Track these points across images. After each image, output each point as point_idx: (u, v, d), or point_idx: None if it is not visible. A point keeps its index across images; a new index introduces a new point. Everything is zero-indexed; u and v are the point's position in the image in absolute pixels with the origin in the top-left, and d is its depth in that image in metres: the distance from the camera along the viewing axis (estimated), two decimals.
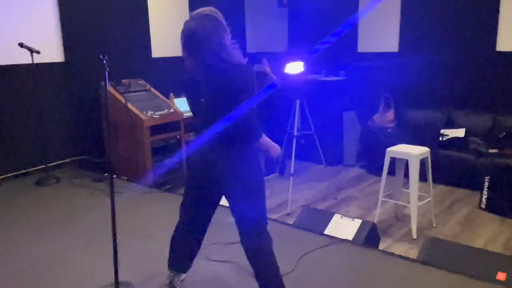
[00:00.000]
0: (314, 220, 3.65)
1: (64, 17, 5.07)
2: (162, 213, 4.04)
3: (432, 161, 4.61)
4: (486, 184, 4.42)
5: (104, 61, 2.67)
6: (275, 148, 2.46)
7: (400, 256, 3.20)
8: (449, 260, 3.00)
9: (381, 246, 3.70)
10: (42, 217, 3.93)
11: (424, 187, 4.20)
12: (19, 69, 4.74)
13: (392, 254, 3.26)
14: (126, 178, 4.87)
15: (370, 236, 3.40)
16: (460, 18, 5.46)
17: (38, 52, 4.49)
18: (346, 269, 2.99)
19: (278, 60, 4.98)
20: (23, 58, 4.54)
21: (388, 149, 4.08)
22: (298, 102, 4.62)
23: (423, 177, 4.14)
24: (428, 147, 4.79)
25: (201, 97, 2.35)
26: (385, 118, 5.84)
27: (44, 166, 4.90)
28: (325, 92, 5.90)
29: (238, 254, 3.11)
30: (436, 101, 5.72)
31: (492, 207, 4.39)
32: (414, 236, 3.87)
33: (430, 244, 3.20)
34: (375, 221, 4.12)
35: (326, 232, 3.48)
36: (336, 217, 3.60)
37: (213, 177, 2.37)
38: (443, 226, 4.19)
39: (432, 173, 4.44)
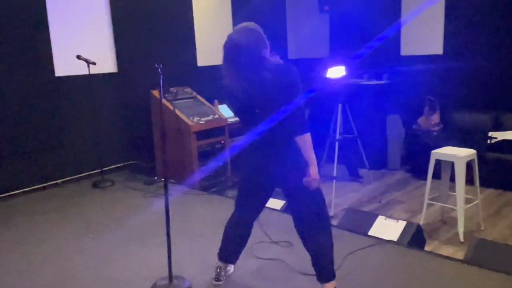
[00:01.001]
0: (358, 221, 3.66)
1: (117, 31, 5.28)
2: (209, 214, 4.16)
3: (480, 164, 4.51)
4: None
5: (159, 69, 2.84)
6: (315, 169, 2.40)
7: (446, 257, 3.16)
8: (497, 260, 2.95)
9: (427, 248, 3.65)
10: (100, 216, 4.10)
11: (472, 190, 4.12)
12: (77, 79, 4.92)
13: (438, 255, 3.22)
14: (174, 181, 4.96)
15: (415, 238, 3.37)
16: (505, 21, 5.35)
17: (94, 64, 4.69)
18: (390, 269, 2.99)
19: (320, 65, 5.04)
20: (81, 69, 4.75)
21: (434, 151, 4.05)
22: (340, 106, 4.65)
23: (470, 180, 4.09)
24: (476, 150, 4.71)
25: (239, 104, 2.49)
26: (431, 121, 5.76)
27: (99, 170, 5.08)
28: (368, 96, 5.91)
29: (283, 252, 3.24)
30: (484, 103, 5.59)
31: None
32: (461, 239, 3.80)
33: (477, 245, 3.15)
34: (421, 224, 4.13)
35: (370, 233, 3.49)
36: (381, 219, 3.60)
37: (266, 172, 2.50)
38: (491, 229, 4.11)
39: (480, 177, 4.34)
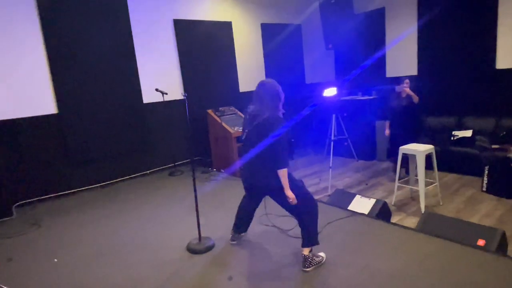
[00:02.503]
0: (342, 199, 3.58)
1: (184, 70, 5.39)
2: (240, 194, 4.18)
3: (444, 156, 4.27)
4: (486, 172, 3.97)
5: (184, 97, 2.92)
6: (291, 195, 2.35)
7: (402, 226, 3.02)
8: (440, 229, 2.79)
9: (394, 219, 3.52)
10: (171, 195, 4.24)
11: (438, 175, 3.90)
12: (157, 105, 5.06)
13: (396, 224, 3.09)
14: (222, 170, 5.08)
15: (382, 212, 3.26)
16: (463, 49, 4.97)
17: (167, 94, 4.83)
18: (358, 234, 2.91)
19: (328, 86, 4.93)
20: (158, 97, 4.89)
21: (401, 147, 3.86)
22: (334, 116, 4.55)
23: (438, 168, 3.87)
24: (442, 145, 4.41)
25: (246, 128, 2.55)
26: None
27: (173, 164, 5.28)
28: (361, 107, 5.72)
29: (280, 221, 3.22)
30: (448, 109, 5.23)
31: (491, 190, 3.94)
32: (423, 211, 3.62)
33: (426, 217, 2.99)
34: (393, 202, 3.95)
35: (349, 208, 3.41)
36: (357, 197, 3.50)
37: (255, 185, 2.53)
38: (449, 204, 3.85)
39: (445, 165, 4.12)
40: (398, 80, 5.74)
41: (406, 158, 3.99)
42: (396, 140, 4.45)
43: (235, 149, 4.92)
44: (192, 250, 2.77)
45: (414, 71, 5.57)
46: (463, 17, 4.95)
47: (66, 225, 3.58)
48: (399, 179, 3.94)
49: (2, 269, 2.77)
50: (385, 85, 5.73)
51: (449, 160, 4.61)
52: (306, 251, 2.46)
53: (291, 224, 3.00)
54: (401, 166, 3.95)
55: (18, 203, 4.21)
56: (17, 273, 2.70)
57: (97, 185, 4.76)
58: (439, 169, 3.86)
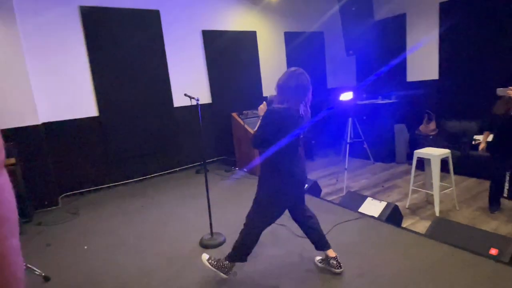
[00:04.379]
0: (353, 201, 3.38)
1: (211, 76, 5.43)
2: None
3: (465, 160, 3.90)
4: (508, 177, 3.55)
5: (197, 102, 2.87)
6: None
7: (410, 230, 2.79)
8: (451, 236, 2.53)
9: (407, 222, 3.25)
10: (195, 190, 4.27)
11: (456, 180, 3.56)
12: (187, 108, 5.13)
13: (405, 228, 2.86)
14: (245, 169, 5.03)
15: (392, 215, 3.03)
16: (484, 53, 4.52)
17: (194, 98, 4.92)
18: (365, 236, 2.74)
19: (348, 90, 4.70)
20: (187, 102, 5.01)
21: (416, 150, 3.58)
22: (350, 119, 4.33)
23: (456, 172, 3.53)
24: (462, 149, 4.05)
25: None
26: (428, 128, 5.08)
27: (201, 162, 5.33)
28: (381, 111, 5.41)
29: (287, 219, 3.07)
30: (470, 114, 4.77)
31: None
32: (437, 215, 3.32)
33: (437, 223, 2.74)
34: (407, 205, 3.67)
35: (359, 210, 3.22)
36: (369, 200, 3.29)
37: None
38: (465, 209, 3.49)
39: (465, 169, 3.76)
40: (419, 84, 5.40)
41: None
42: (498, 154, 3.26)
43: (257, 151, 4.84)
44: (204, 245, 2.74)
45: (435, 75, 5.16)
46: (486, 21, 4.50)
47: (100, 216, 3.72)
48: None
49: (40, 253, 2.92)
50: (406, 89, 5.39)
51: (469, 164, 4.22)
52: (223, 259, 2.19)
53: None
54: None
55: (63, 194, 4.45)
56: (52, 258, 2.82)
57: (131, 180, 4.91)
58: (459, 174, 3.54)
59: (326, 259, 2.26)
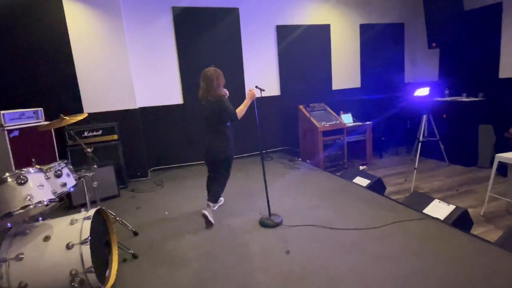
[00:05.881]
0: (418, 201, 3.20)
1: (281, 69, 5.58)
2: (318, 183, 4.10)
3: None
4: None
5: (261, 92, 3.22)
6: None
7: (477, 237, 2.57)
8: None
9: (478, 230, 2.97)
10: (260, 173, 4.41)
11: None
12: (256, 100, 5.42)
13: (473, 235, 2.64)
14: (308, 161, 5.12)
15: (460, 219, 2.81)
16: None
17: (264, 90, 5.13)
18: (425, 238, 2.59)
19: (427, 86, 4.38)
20: (258, 93, 5.26)
21: (497, 154, 3.21)
22: (425, 116, 4.04)
23: None
24: None
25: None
26: None
27: (266, 150, 5.60)
28: (465, 109, 4.88)
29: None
30: None
31: None
32: None
33: (510, 232, 2.47)
34: (482, 212, 3.34)
35: (424, 211, 3.05)
36: (435, 201, 3.08)
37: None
38: None
39: None
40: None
41: None
42: None
43: (320, 142, 4.89)
44: (262, 224, 2.97)
45: None
46: None
47: (180, 188, 4.27)
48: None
49: (132, 213, 3.53)
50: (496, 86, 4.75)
51: None
52: None
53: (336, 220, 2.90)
54: None
55: (152, 168, 5.18)
56: (140, 218, 3.39)
57: None
58: None
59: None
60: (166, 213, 3.48)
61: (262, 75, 5.51)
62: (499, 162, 3.19)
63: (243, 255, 2.53)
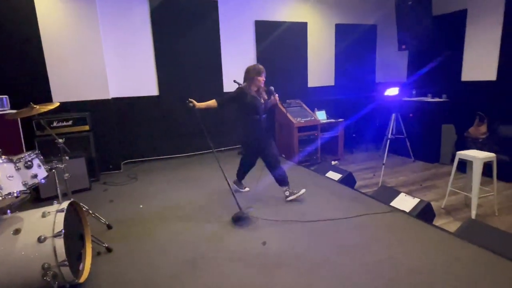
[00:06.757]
0: (386, 195, 3.38)
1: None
2: (293, 178, 4.16)
3: None
4: None
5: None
6: None
7: (439, 227, 2.77)
8: (481, 238, 2.49)
9: (439, 221, 3.21)
10: (233, 169, 4.53)
11: (503, 186, 3.40)
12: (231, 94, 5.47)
13: (434, 225, 2.84)
14: (284, 156, 5.19)
15: (423, 212, 3.00)
16: None
17: (242, 85, 5.18)
18: (392, 229, 2.75)
19: (396, 86, 4.59)
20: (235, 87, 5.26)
21: (458, 152, 3.46)
22: (394, 115, 4.26)
23: (504, 178, 3.36)
24: None
25: None
26: (479, 131, 4.78)
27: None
28: (430, 109, 5.18)
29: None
30: None
31: None
32: (473, 218, 3.22)
33: (469, 224, 2.69)
34: (443, 205, 3.59)
35: (391, 204, 3.22)
36: (402, 195, 3.27)
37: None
38: (505, 216, 3.33)
39: None
40: (474, 84, 5.06)
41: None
42: None
43: (296, 137, 4.99)
44: (235, 219, 2.95)
45: (493, 77, 4.80)
46: None
47: (153, 182, 4.19)
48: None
49: (105, 206, 3.43)
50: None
51: None
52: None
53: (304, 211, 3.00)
54: None
55: (125, 161, 5.03)
56: (114, 211, 3.30)
57: (183, 154, 5.36)
58: (507, 180, 3.35)
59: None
60: (141, 206, 3.42)
61: (241, 70, 5.44)
62: (459, 159, 3.43)
63: (219, 246, 2.55)
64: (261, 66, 3.24)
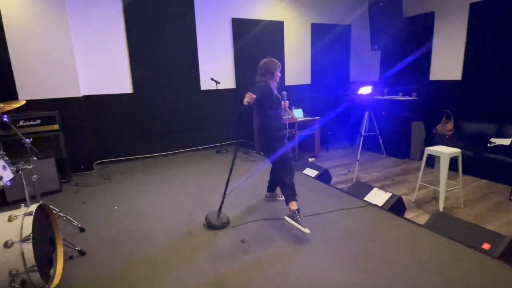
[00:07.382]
0: (360, 190, 3.50)
1: (237, 63, 5.58)
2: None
3: (478, 162, 3.88)
4: None
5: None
6: None
7: (410, 220, 2.90)
8: (448, 229, 2.63)
9: (410, 214, 3.34)
10: (212, 167, 4.50)
11: (467, 180, 3.58)
12: (211, 92, 5.33)
13: (406, 218, 2.96)
14: (262, 153, 5.18)
15: (395, 206, 3.13)
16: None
17: (219, 83, 5.12)
18: (367, 222, 2.86)
19: (368, 85, 4.72)
20: (212, 85, 5.17)
21: (426, 148, 3.62)
22: (367, 113, 4.39)
23: (469, 172, 3.53)
24: (478, 151, 4.01)
25: None
26: (446, 127, 5.04)
27: (221, 143, 5.56)
28: (401, 107, 5.39)
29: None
30: (489, 116, 4.69)
31: None
32: (441, 210, 3.39)
33: (437, 216, 2.83)
34: (413, 199, 3.75)
35: (365, 198, 3.34)
36: (375, 190, 3.40)
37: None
38: (470, 208, 3.53)
39: (478, 170, 3.76)
40: (441, 83, 5.32)
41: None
42: None
43: None
44: (209, 225, 2.82)
45: (458, 76, 5.07)
46: None
47: (129, 182, 4.07)
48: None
49: (77, 209, 3.30)
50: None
51: (483, 166, 4.21)
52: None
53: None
54: None
55: (98, 161, 4.86)
56: (87, 214, 3.18)
57: (159, 154, 5.25)
58: (472, 175, 3.54)
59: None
60: (116, 208, 3.31)
61: (218, 68, 5.45)
62: (428, 154, 3.60)
63: (195, 247, 2.53)
64: (277, 61, 2.96)
